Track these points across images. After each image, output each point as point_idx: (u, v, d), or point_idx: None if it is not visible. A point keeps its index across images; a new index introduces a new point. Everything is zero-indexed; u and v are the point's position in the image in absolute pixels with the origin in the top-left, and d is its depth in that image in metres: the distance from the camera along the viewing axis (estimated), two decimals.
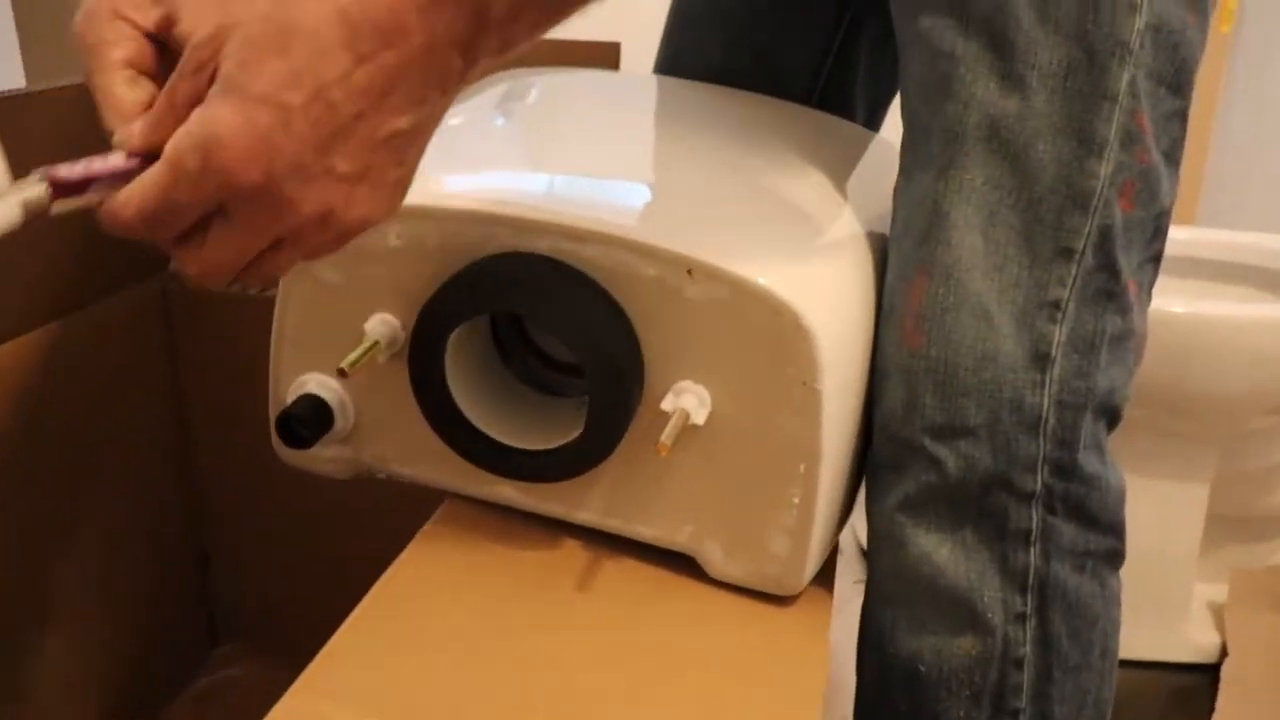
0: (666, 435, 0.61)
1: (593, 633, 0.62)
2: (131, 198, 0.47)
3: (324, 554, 1.00)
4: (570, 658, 0.60)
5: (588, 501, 0.69)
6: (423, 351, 0.65)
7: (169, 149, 0.46)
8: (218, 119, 0.44)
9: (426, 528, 0.67)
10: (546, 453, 0.66)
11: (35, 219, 0.47)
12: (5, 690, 0.76)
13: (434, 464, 0.70)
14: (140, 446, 0.97)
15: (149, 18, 0.52)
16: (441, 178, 0.66)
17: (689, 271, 0.61)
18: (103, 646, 0.95)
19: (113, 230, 0.49)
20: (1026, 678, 0.65)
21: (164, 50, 0.53)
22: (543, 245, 0.63)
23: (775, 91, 0.92)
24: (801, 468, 0.64)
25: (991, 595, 0.65)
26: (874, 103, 1.00)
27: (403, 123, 0.46)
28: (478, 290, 0.63)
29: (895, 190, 0.72)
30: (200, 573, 1.08)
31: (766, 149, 0.79)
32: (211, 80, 0.46)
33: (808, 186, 0.76)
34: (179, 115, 0.47)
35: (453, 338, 0.64)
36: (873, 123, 1.00)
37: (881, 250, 0.74)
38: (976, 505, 0.65)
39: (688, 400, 0.63)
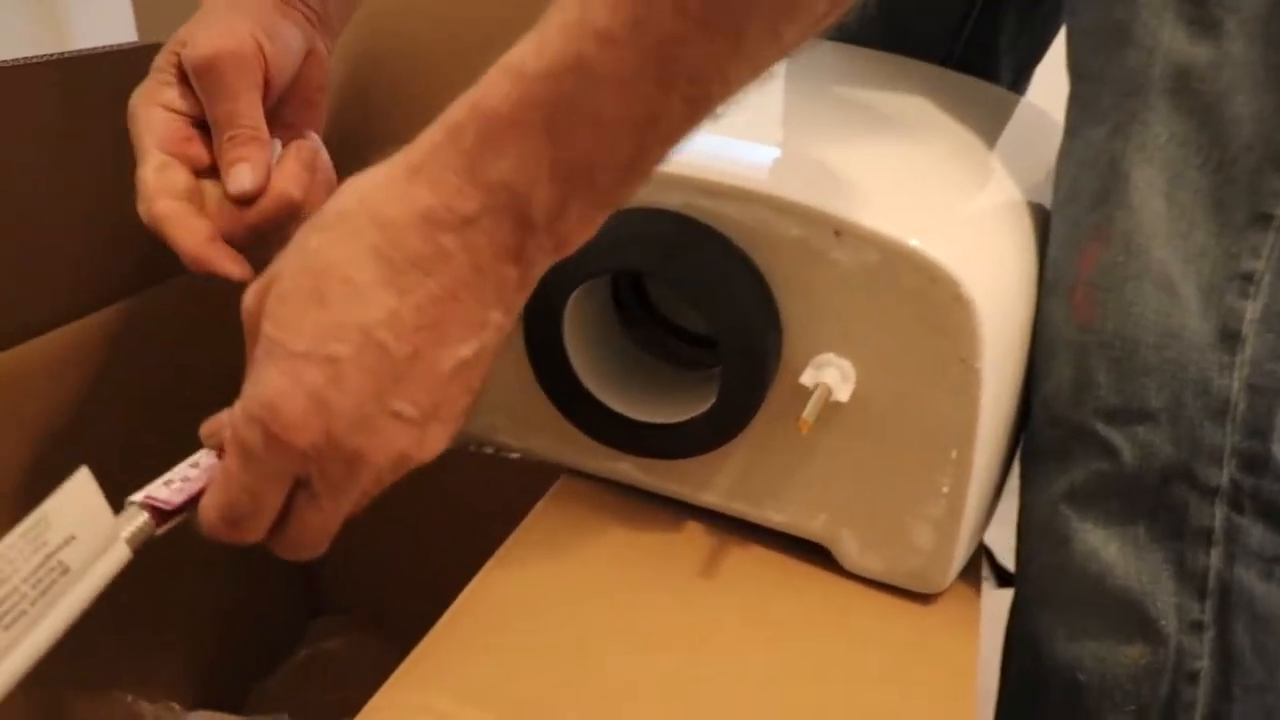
0: (808, 411, 0.55)
1: (718, 625, 0.57)
2: (210, 500, 0.45)
3: (425, 528, 0.96)
4: (693, 650, 0.55)
5: (713, 482, 0.63)
6: (540, 315, 0.60)
7: (229, 432, 0.43)
8: (268, 384, 0.42)
9: (539, 506, 0.62)
10: (672, 427, 0.60)
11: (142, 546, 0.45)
12: (113, 670, 0.72)
13: (548, 438, 0.65)
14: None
15: (174, 94, 0.56)
16: None
17: (836, 233, 0.55)
18: (202, 620, 0.92)
19: (214, 539, 0.46)
20: (1202, 694, 0.58)
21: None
22: (675, 201, 0.57)
23: (912, 55, 0.85)
24: (953, 454, 0.57)
25: (1165, 600, 0.58)
26: (1020, 65, 0.93)
27: (466, 351, 0.43)
28: (603, 248, 0.57)
29: (1061, 151, 0.65)
30: None
31: (913, 111, 0.73)
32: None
33: (958, 150, 0.69)
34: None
35: (572, 301, 0.59)
36: (1018, 87, 0.93)
37: (1039, 218, 0.67)
38: (1153, 498, 0.58)
39: (830, 374, 0.57)
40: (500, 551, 0.58)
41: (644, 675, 0.53)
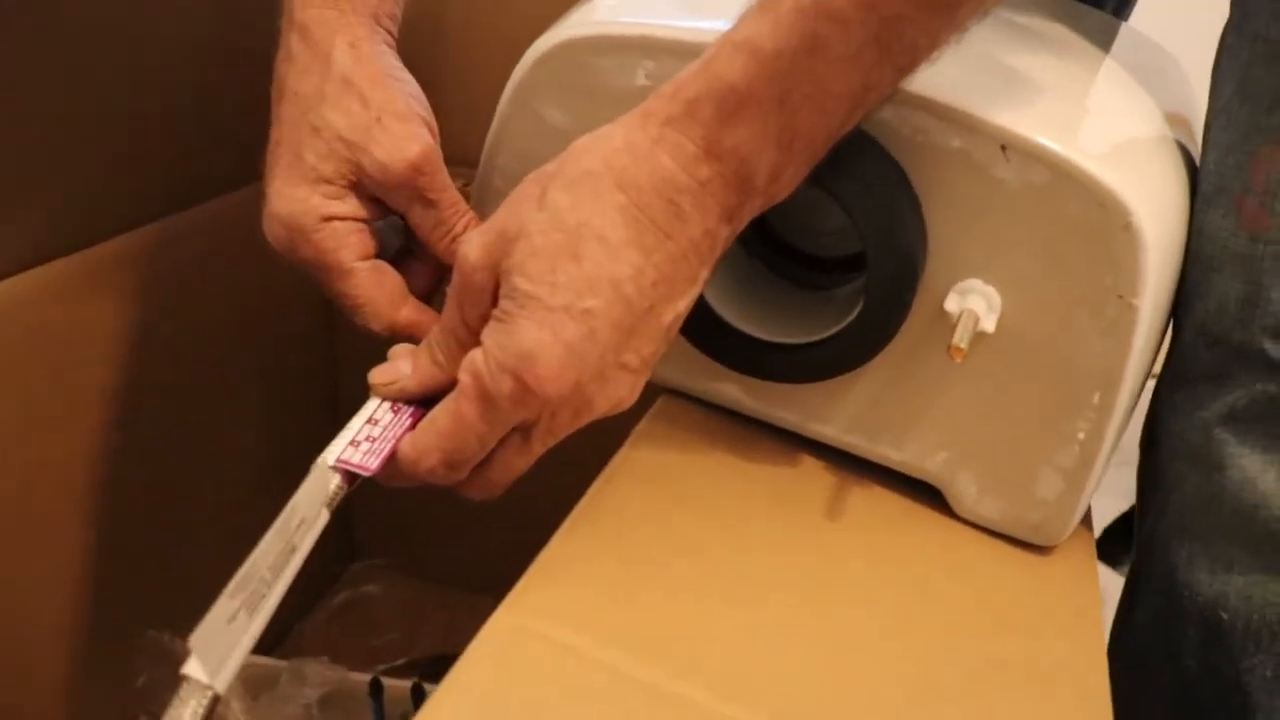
0: (959, 338, 0.51)
1: (832, 561, 0.53)
2: (430, 444, 0.47)
3: None
4: (805, 586, 0.51)
5: (828, 412, 0.59)
6: None
7: (470, 379, 0.45)
8: (524, 335, 0.44)
9: (640, 428, 0.57)
10: (800, 348, 0.56)
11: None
12: (144, 609, 0.68)
13: None
14: (281, 343, 0.89)
15: (354, 204, 0.54)
16: (697, 21, 0.55)
17: (1003, 147, 0.51)
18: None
19: (400, 482, 0.49)
20: None
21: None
22: None
23: None
24: (1096, 398, 0.53)
25: None
26: None
27: (682, 305, 0.47)
28: None
29: (1226, 50, 0.60)
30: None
31: (1050, 30, 0.67)
32: (492, 299, 0.46)
33: (1102, 71, 0.64)
34: (464, 343, 0.47)
35: None
36: (1122, 12, 0.88)
37: (1183, 141, 0.62)
38: None
39: (975, 302, 0.53)
40: (604, 475, 0.53)
41: (758, 609, 0.49)
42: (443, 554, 1.00)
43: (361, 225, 0.55)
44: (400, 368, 0.49)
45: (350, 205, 0.54)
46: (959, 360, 0.50)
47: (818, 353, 0.56)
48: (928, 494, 0.58)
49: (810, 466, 0.58)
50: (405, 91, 0.55)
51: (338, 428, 0.49)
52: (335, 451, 0.47)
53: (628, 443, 0.55)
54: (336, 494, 0.46)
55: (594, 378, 0.45)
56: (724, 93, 0.44)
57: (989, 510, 0.57)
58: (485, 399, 0.45)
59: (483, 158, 0.59)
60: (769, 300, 0.60)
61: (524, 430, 0.47)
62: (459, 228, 0.55)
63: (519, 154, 0.58)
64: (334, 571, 1.03)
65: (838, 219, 0.55)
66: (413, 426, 0.49)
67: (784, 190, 0.47)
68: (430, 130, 0.54)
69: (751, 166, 0.45)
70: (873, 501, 0.57)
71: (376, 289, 0.55)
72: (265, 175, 0.55)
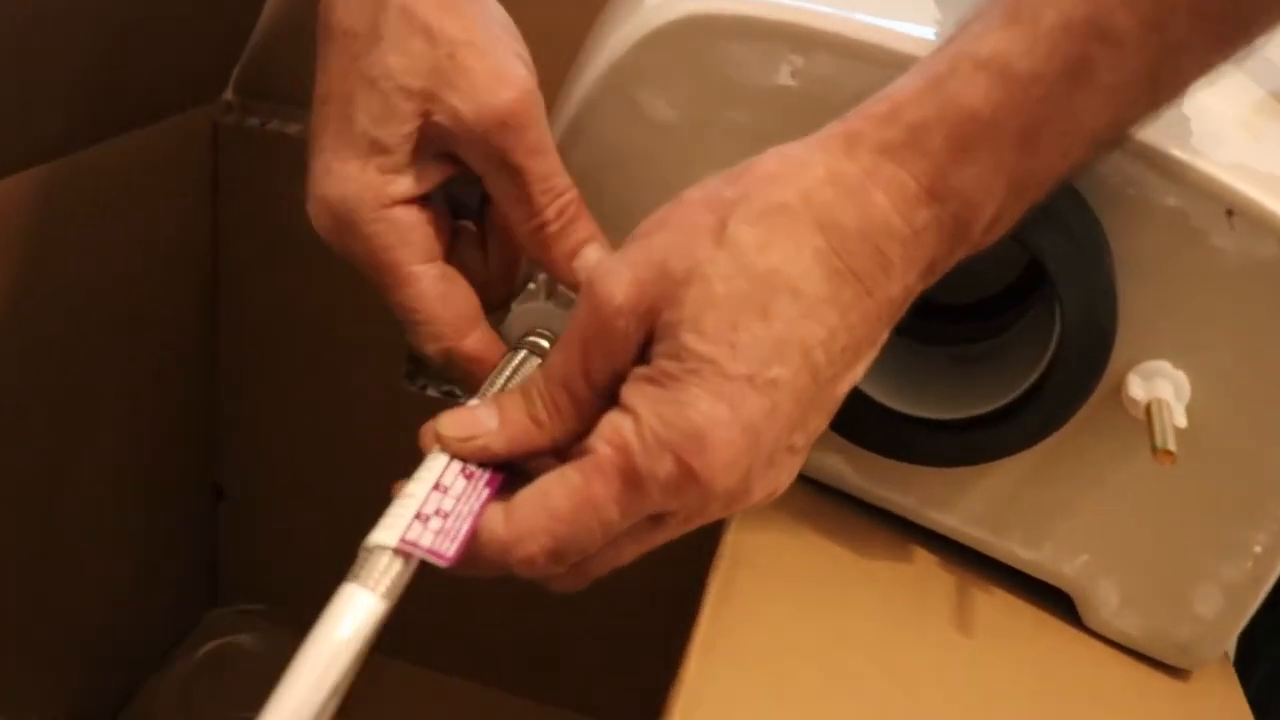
0: (1163, 437, 0.43)
1: (979, 691, 0.44)
2: (538, 526, 0.35)
3: (362, 497, 0.80)
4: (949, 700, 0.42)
5: (951, 500, 0.50)
6: None
7: (613, 453, 0.35)
8: (696, 409, 0.34)
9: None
10: (944, 426, 0.47)
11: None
12: None
13: None
14: (161, 322, 0.74)
15: (422, 175, 0.43)
16: (862, 15, 0.45)
17: (1229, 212, 0.43)
18: (90, 588, 0.73)
19: (476, 572, 0.37)
20: None
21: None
22: None
23: None
24: None
25: None
26: None
27: (860, 371, 0.38)
28: None
29: None
30: (210, 510, 0.85)
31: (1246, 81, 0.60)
32: (637, 353, 0.36)
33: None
34: (580, 401, 0.37)
35: None
36: None
37: None
38: None
39: (1162, 388, 0.45)
40: (720, 569, 0.43)
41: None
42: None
43: (429, 212, 0.43)
44: (482, 420, 0.38)
45: (415, 180, 0.42)
46: (1168, 465, 0.42)
47: (969, 434, 0.47)
48: (1050, 598, 0.50)
49: (925, 562, 0.50)
50: (488, 16, 0.43)
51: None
52: (397, 528, 0.35)
53: (733, 526, 0.45)
54: (398, 581, 0.34)
55: (764, 463, 0.36)
56: (961, 120, 0.35)
57: (1128, 624, 0.50)
58: (632, 482, 0.35)
59: None
60: (886, 359, 0.50)
61: (657, 519, 0.37)
62: (550, 213, 0.43)
63: (603, 149, 0.48)
64: (194, 614, 0.87)
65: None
66: (490, 499, 0.38)
67: (990, 241, 0.38)
68: (525, 67, 0.42)
69: (974, 212, 0.36)
70: (1000, 610, 0.49)
71: (441, 305, 0.43)
72: (310, 143, 0.43)
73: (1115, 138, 0.38)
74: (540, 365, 0.41)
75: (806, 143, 0.37)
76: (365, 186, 0.42)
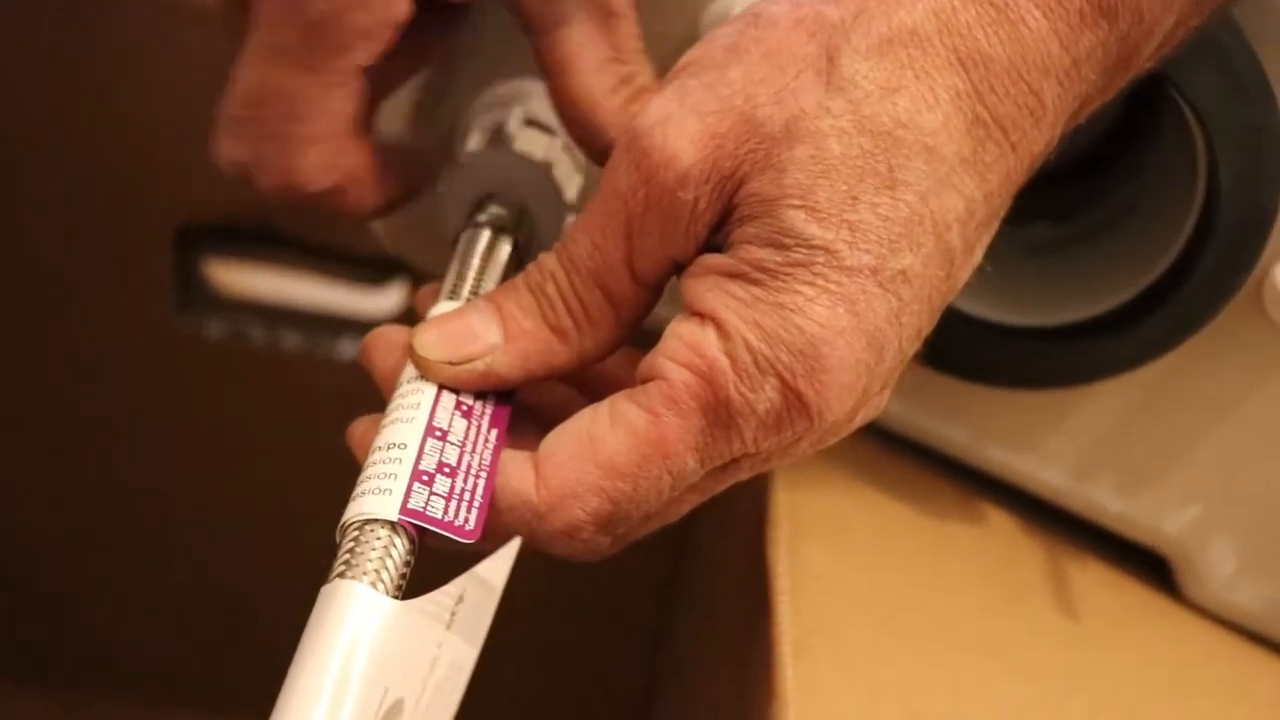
0: None
1: (1100, 689, 0.33)
2: (589, 482, 0.26)
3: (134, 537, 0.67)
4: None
5: (1022, 435, 0.39)
6: None
7: (695, 380, 0.26)
8: (808, 317, 0.26)
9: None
10: (1043, 334, 0.36)
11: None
12: None
13: None
14: None
15: None
16: None
17: None
18: None
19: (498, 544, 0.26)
20: None
21: None
22: None
23: None
24: None
25: None
26: None
27: (978, 258, 0.29)
28: None
29: None
30: None
31: None
32: (707, 234, 0.27)
33: None
34: (619, 301, 0.28)
35: None
36: None
37: None
38: None
39: None
40: (780, 533, 0.32)
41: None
42: (80, 648, 0.71)
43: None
44: (478, 330, 0.28)
45: None
46: None
47: (1060, 345, 0.36)
48: (1139, 564, 0.40)
49: (1003, 525, 0.38)
50: None
51: None
52: (395, 493, 0.24)
53: (778, 484, 0.33)
54: (403, 570, 0.24)
55: (879, 385, 0.28)
56: None
57: (1245, 596, 0.39)
58: (720, 419, 0.26)
59: None
60: None
61: (730, 462, 0.28)
62: (636, 63, 0.33)
63: None
64: None
65: None
66: (501, 446, 0.27)
67: (1147, 70, 0.29)
68: None
69: (1148, 29, 0.27)
70: (1100, 587, 0.38)
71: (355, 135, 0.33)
72: None
73: None
74: (546, 253, 0.29)
75: None
76: None
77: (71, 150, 0.56)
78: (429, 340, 0.28)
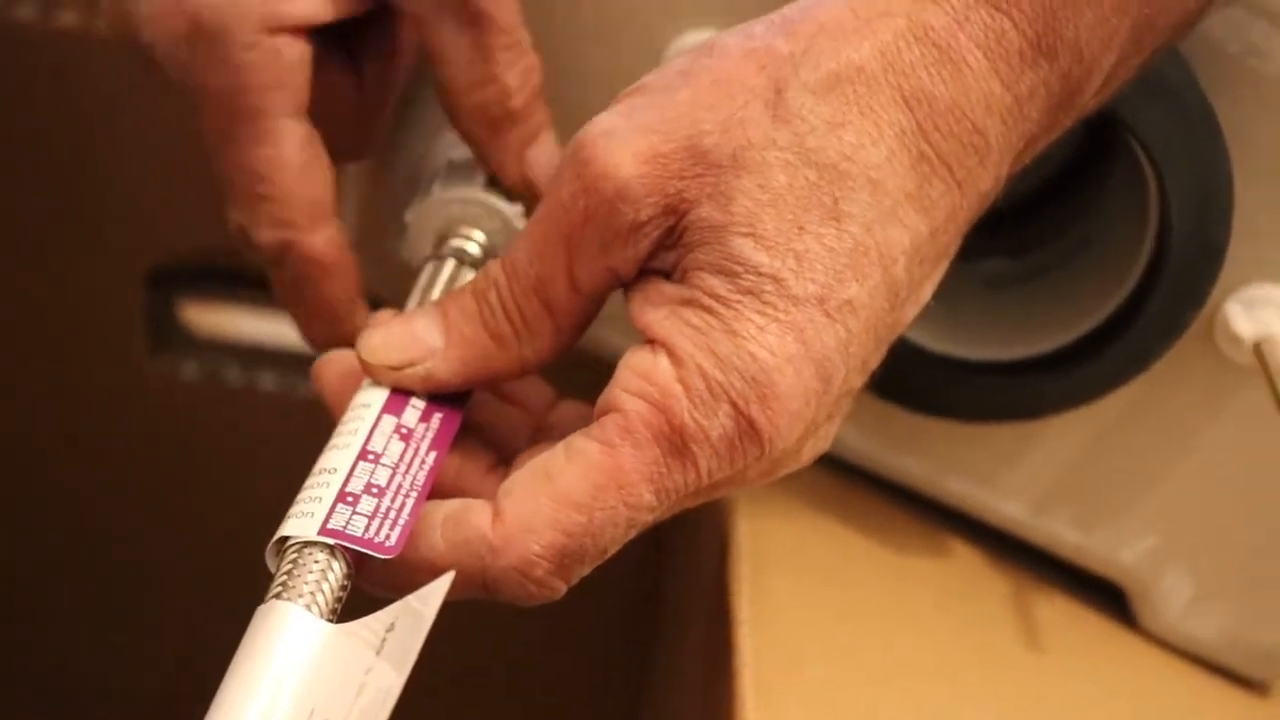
0: None
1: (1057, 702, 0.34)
2: (542, 518, 0.26)
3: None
4: None
5: (980, 467, 0.39)
6: None
7: (648, 410, 0.26)
8: (759, 343, 0.26)
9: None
10: (1002, 368, 0.36)
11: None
12: None
13: None
14: None
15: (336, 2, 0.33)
16: None
17: None
18: None
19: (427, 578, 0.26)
20: None
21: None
22: None
23: None
24: None
25: None
26: None
27: (927, 294, 0.30)
28: None
29: None
30: None
31: None
32: (648, 252, 0.28)
33: None
34: (557, 310, 0.29)
35: None
36: None
37: None
38: None
39: (1271, 320, 0.35)
40: (741, 565, 0.32)
41: None
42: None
43: (316, 53, 0.33)
44: (421, 334, 0.29)
45: (324, 1, 0.33)
46: None
47: (1016, 380, 0.36)
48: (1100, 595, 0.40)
49: (966, 557, 0.39)
50: None
51: None
52: (315, 515, 0.25)
53: (740, 511, 0.34)
54: (339, 594, 0.24)
55: (826, 414, 0.28)
56: None
57: (1200, 626, 0.40)
58: (676, 447, 0.26)
59: None
60: None
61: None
62: (512, 79, 0.33)
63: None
64: None
65: None
66: (441, 461, 0.28)
67: (1093, 109, 0.30)
68: None
69: (1089, 68, 0.28)
70: (1061, 616, 0.38)
71: (299, 179, 0.33)
72: None
73: None
74: (494, 260, 0.30)
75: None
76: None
77: (42, 193, 0.56)
78: (373, 344, 0.29)
